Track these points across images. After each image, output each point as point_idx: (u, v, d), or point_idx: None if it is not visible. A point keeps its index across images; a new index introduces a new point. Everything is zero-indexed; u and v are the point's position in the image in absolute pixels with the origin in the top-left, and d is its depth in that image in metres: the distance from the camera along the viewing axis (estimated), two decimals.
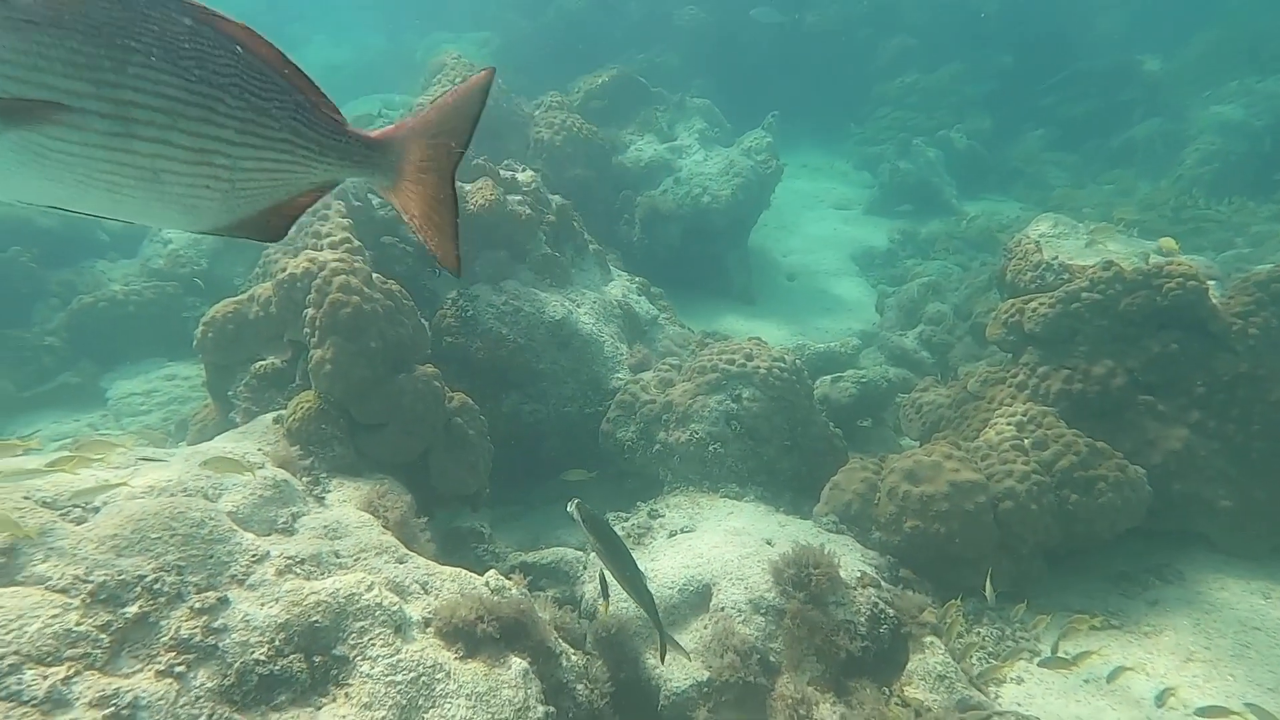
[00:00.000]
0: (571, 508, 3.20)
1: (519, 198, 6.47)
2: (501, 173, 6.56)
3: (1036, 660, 3.97)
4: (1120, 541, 4.55)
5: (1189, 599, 4.31)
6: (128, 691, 2.37)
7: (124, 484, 3.04)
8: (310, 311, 4.28)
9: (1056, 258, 5.38)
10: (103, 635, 2.48)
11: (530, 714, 2.91)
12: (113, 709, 2.32)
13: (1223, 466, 4.60)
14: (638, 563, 3.31)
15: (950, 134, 13.52)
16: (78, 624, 2.46)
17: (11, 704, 2.22)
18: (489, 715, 2.83)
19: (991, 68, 15.45)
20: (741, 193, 9.29)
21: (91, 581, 2.58)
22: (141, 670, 2.47)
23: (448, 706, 2.79)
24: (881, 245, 11.14)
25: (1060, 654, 3.88)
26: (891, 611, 3.76)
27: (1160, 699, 3.64)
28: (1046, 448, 4.59)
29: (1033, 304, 5.18)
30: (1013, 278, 5.57)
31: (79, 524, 2.84)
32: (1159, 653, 3.99)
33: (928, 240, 11.06)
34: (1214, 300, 4.91)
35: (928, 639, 3.65)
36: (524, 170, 6.92)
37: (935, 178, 12.65)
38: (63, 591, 2.53)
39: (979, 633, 4.17)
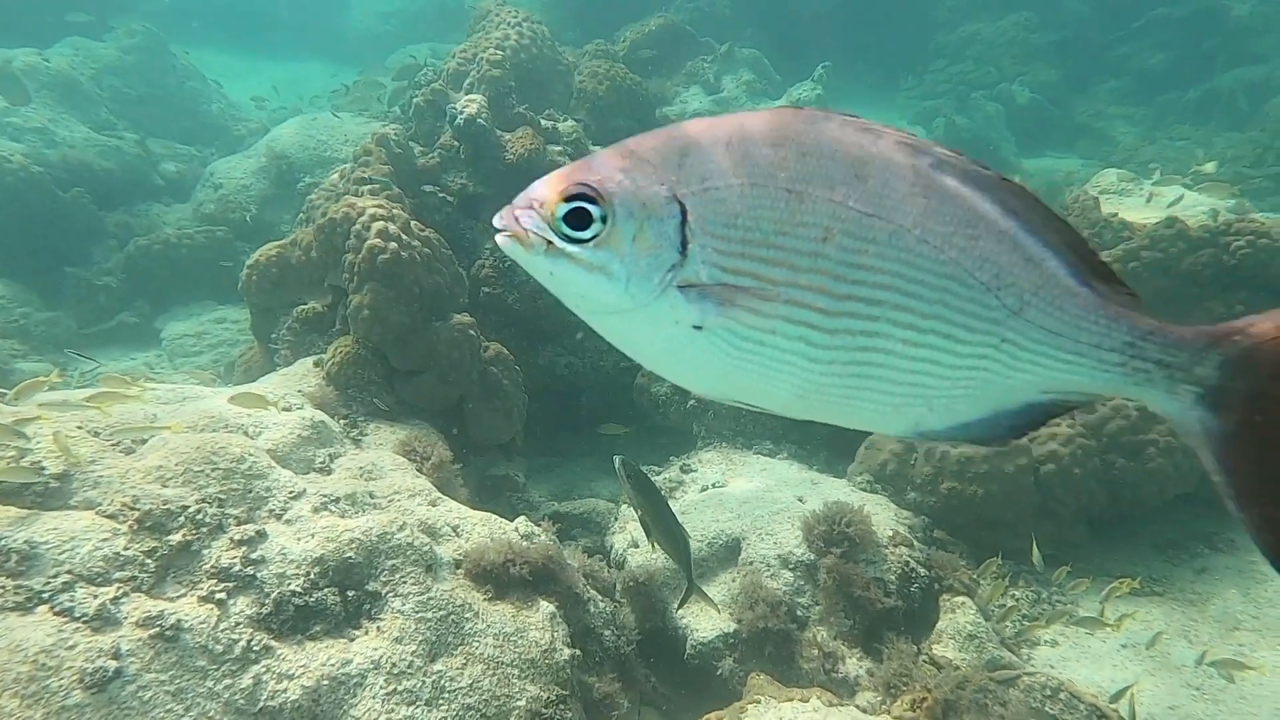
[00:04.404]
0: (617, 463, 3.22)
1: (559, 148, 6.40)
2: (543, 122, 6.48)
3: (1070, 621, 3.90)
4: (1170, 508, 4.40)
5: (1240, 568, 4.16)
6: (172, 614, 2.48)
7: (169, 428, 3.13)
8: (349, 257, 4.32)
9: (1116, 214, 5.12)
10: (149, 560, 2.59)
11: (556, 655, 2.96)
12: (158, 629, 2.43)
13: None
14: (680, 523, 3.35)
15: (1012, 87, 12.89)
16: (125, 548, 2.57)
17: (64, 619, 2.34)
18: (516, 654, 2.89)
19: (1063, 15, 14.59)
20: None
21: (138, 509, 2.68)
22: (185, 595, 2.58)
23: (476, 644, 2.86)
24: None
25: (1099, 617, 3.80)
26: (923, 571, 3.72)
27: (1199, 662, 3.55)
28: (1095, 411, 4.43)
29: None
30: None
31: (127, 454, 2.95)
32: (1203, 620, 3.88)
33: None
34: None
35: (959, 599, 3.60)
36: (565, 120, 6.83)
37: (994, 133, 12.12)
38: (111, 517, 2.64)
39: (1014, 595, 4.10)
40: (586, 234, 0.98)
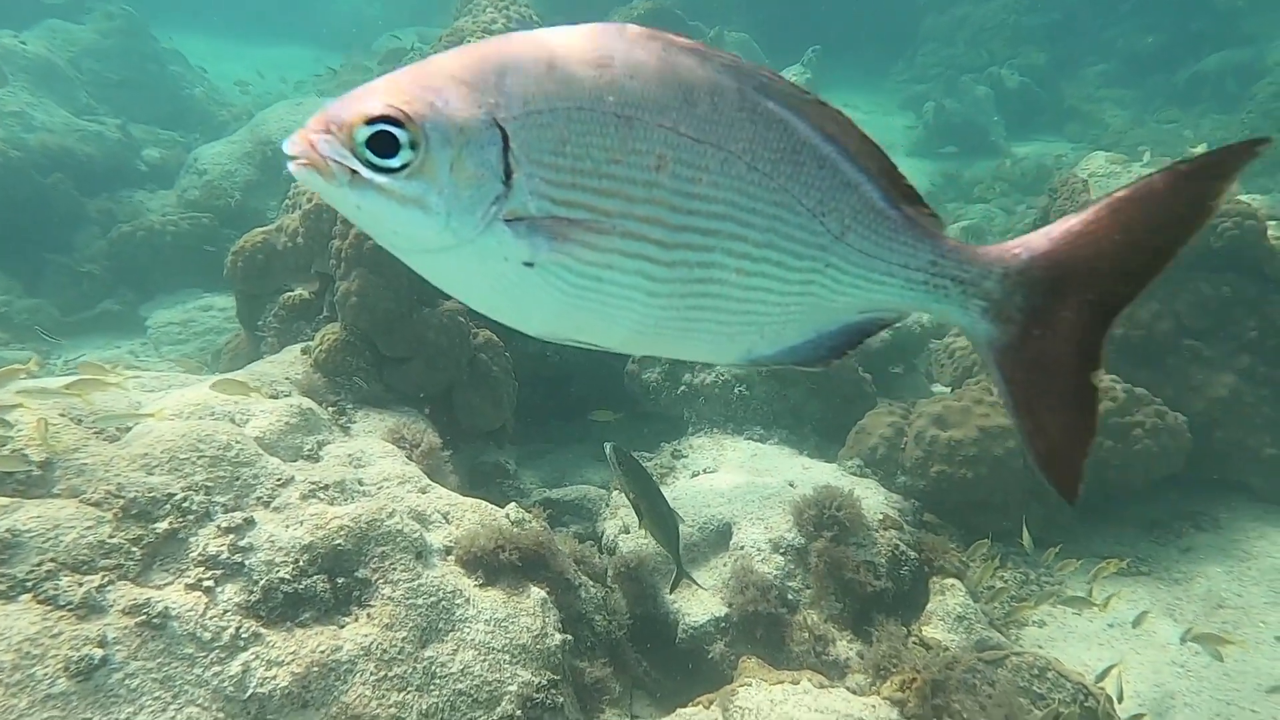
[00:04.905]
0: (609, 450, 3.20)
1: None
2: None
3: (1058, 601, 3.93)
4: (1156, 489, 4.44)
5: (1224, 547, 4.21)
6: (159, 601, 2.46)
7: (152, 415, 3.10)
8: (337, 243, 4.28)
9: None
10: (134, 548, 2.56)
11: (547, 641, 2.96)
12: (144, 617, 2.41)
13: (1270, 414, 4.43)
14: (673, 508, 3.35)
15: (1001, 71, 12.87)
16: (110, 536, 2.55)
17: (49, 607, 2.31)
18: (507, 640, 2.89)
19: None
20: None
21: (124, 497, 2.65)
22: (172, 583, 2.56)
23: (466, 630, 2.85)
24: (922, 188, 10.68)
25: (1087, 597, 3.83)
26: (913, 554, 3.73)
27: (1184, 639, 3.59)
28: None
29: None
30: (1056, 218, 5.34)
31: (111, 442, 2.92)
32: (1188, 599, 3.92)
33: (971, 183, 10.65)
34: (1272, 241, 4.66)
35: (949, 581, 3.62)
36: None
37: (983, 117, 12.11)
38: (96, 505, 2.61)
39: (1003, 576, 4.14)
40: (396, 162, 0.89)
